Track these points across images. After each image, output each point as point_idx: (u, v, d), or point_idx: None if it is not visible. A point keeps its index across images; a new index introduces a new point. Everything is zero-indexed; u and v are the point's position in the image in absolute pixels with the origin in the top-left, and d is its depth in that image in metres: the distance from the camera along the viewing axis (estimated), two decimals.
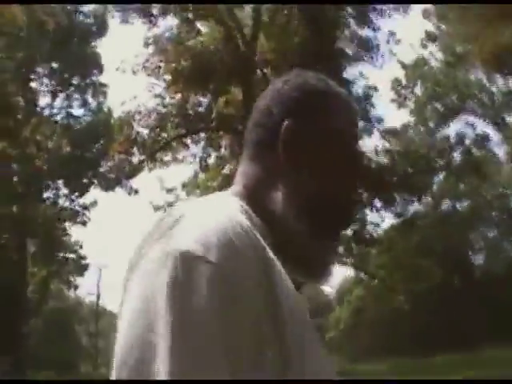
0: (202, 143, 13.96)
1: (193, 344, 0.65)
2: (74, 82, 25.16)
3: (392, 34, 15.46)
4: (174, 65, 12.20)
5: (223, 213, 0.75)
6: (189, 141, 14.13)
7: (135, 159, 13.76)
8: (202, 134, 13.99)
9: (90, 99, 25.48)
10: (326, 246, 0.86)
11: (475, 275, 30.71)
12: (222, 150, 14.20)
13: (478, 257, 33.11)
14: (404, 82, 25.53)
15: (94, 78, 25.19)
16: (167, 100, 13.15)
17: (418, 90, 25.45)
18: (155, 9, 13.94)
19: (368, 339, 32.23)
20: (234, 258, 0.69)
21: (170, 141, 13.56)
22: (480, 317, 27.49)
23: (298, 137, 0.86)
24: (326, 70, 14.21)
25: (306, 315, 0.81)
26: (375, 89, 15.31)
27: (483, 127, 22.71)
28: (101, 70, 24.79)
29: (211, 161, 14.12)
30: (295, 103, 0.88)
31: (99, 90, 25.55)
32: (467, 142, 16.06)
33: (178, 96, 12.97)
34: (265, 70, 13.54)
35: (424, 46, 23.96)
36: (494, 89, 23.94)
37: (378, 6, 14.85)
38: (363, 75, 16.86)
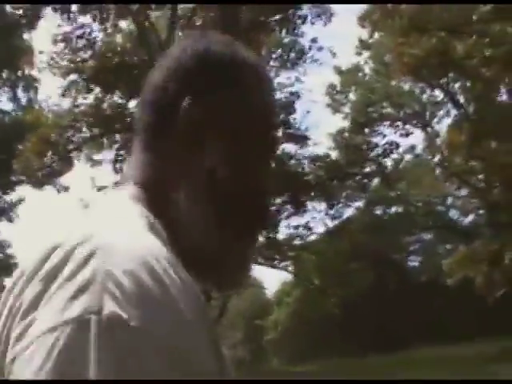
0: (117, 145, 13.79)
1: None
2: (4, 75, 24.44)
3: (314, 40, 15.63)
4: (72, 65, 11.95)
5: (140, 245, 0.57)
6: (105, 142, 13.92)
7: (48, 160, 13.47)
8: (118, 136, 13.80)
9: (20, 94, 24.81)
10: (242, 250, 0.74)
11: (409, 278, 31.47)
12: None
13: (413, 260, 34.05)
14: (339, 87, 25.90)
15: (25, 72, 24.51)
16: (80, 100, 12.90)
17: (353, 96, 25.84)
18: (74, 6, 13.67)
19: (303, 341, 32.57)
20: (168, 317, 0.54)
21: (83, 142, 13.32)
22: (412, 318, 28.15)
23: (201, 118, 0.71)
24: None
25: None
26: (298, 95, 15.45)
27: (413, 135, 23.24)
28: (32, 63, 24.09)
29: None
30: (195, 76, 0.73)
31: (31, 84, 24.87)
32: (380, 149, 16.41)
33: (92, 96, 12.77)
34: None
35: (358, 54, 24.32)
36: (424, 99, 24.57)
37: (301, 13, 14.96)
38: (299, 79, 17.05)
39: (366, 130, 24.62)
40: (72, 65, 12.05)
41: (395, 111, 24.88)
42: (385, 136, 20.58)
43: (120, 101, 13.19)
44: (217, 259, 0.72)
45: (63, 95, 12.63)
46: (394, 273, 30.72)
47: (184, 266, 0.62)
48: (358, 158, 15.83)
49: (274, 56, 16.59)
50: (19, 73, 24.45)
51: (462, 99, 21.69)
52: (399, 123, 22.66)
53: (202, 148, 0.72)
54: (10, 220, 25.21)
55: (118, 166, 13.72)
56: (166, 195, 0.71)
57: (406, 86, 24.82)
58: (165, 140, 0.73)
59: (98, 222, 0.64)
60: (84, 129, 13.17)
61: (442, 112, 23.48)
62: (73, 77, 12.32)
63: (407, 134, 20.40)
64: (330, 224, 23.60)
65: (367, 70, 24.80)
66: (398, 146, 16.55)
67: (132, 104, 13.53)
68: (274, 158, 0.79)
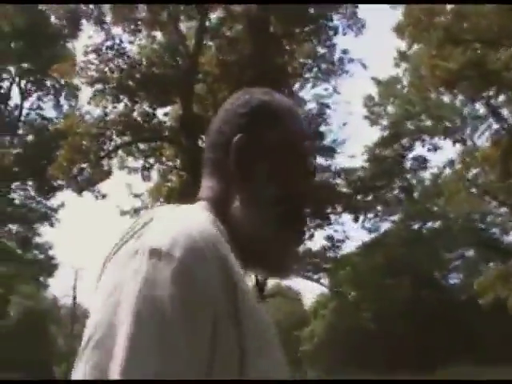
0: (144, 153, 13.95)
1: (149, 332, 0.72)
2: (48, 83, 25.18)
3: (345, 52, 15.47)
4: (98, 74, 12.14)
5: (191, 218, 0.83)
6: (135, 150, 14.12)
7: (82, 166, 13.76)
8: (146, 144, 13.96)
9: (62, 101, 25.48)
10: (288, 242, 0.94)
11: (449, 296, 30.58)
12: (164, 160, 14.19)
13: (453, 277, 33.12)
14: (377, 99, 25.58)
15: (68, 80, 25.14)
16: (109, 108, 13.11)
17: (391, 109, 25.46)
18: (108, 17, 13.98)
19: (337, 354, 32.08)
20: (197, 257, 0.76)
21: (112, 150, 13.53)
22: (450, 337, 27.31)
23: (247, 149, 0.93)
24: (274, 85, 14.13)
25: (266, 316, 0.87)
26: (327, 106, 15.32)
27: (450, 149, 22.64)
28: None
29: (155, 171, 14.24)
30: (243, 119, 0.96)
31: (73, 92, 25.49)
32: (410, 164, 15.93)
33: (122, 105, 12.97)
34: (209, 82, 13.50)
35: (397, 65, 23.96)
36: (465, 112, 23.96)
37: (331, 24, 14.86)
38: (336, 90, 16.95)
39: (404, 142, 24.20)
40: (98, 74, 12.30)
41: (433, 124, 24.38)
42: (412, 150, 20.08)
43: (148, 110, 13.38)
44: (267, 249, 0.92)
45: (89, 103, 12.95)
46: (433, 290, 29.96)
47: (242, 259, 0.86)
48: (385, 172, 15.52)
49: (308, 67, 16.45)
50: (62, 81, 25.10)
51: (506, 113, 21.05)
52: (426, 137, 22.11)
53: (250, 172, 0.93)
54: (52, 225, 25.90)
55: (146, 173, 13.90)
56: (227, 207, 0.93)
57: (446, 99, 24.37)
58: (224, 168, 0.94)
59: (167, 210, 0.89)
60: (114, 137, 13.38)
61: (483, 126, 22.88)
62: (99, 86, 12.58)
63: (435, 149, 19.90)
64: (365, 237, 23.17)
65: (405, 82, 24.37)
66: (425, 160, 16.24)
67: (160, 112, 13.68)
68: (312, 173, 0.98)
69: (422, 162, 15.86)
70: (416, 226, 29.51)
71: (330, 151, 14.49)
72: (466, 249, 30.52)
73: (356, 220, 15.13)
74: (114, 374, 0.71)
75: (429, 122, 24.90)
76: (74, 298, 37.87)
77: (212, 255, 0.77)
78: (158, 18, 12.78)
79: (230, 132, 0.95)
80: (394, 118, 24.76)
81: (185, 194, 13.77)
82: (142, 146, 14.23)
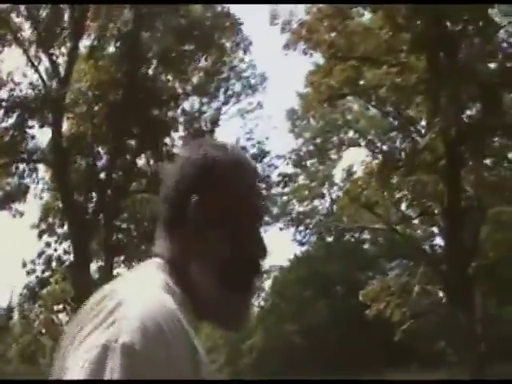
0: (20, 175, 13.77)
1: None
2: None
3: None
4: None
5: (152, 301, 0.87)
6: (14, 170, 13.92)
7: None
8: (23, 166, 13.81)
9: None
10: (241, 301, 1.01)
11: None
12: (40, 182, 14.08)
13: None
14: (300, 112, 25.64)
15: None
16: None
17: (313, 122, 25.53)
18: None
19: (272, 366, 31.99)
20: (161, 347, 0.83)
21: None
22: (376, 347, 27.35)
23: (202, 211, 0.98)
24: (156, 105, 14.13)
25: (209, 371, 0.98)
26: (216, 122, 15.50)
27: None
28: None
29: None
30: (197, 179, 1.00)
31: None
32: None
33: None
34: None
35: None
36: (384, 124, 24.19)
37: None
38: (260, 104, 17.18)
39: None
40: None
41: (357, 137, 24.56)
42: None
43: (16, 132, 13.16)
44: (222, 308, 0.99)
45: None
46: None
47: (199, 314, 0.98)
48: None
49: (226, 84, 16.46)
50: None
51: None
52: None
53: (205, 233, 0.98)
54: None
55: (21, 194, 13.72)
56: (182, 266, 0.98)
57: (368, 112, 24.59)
58: (179, 227, 1.00)
59: (128, 281, 0.96)
60: None
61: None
62: None
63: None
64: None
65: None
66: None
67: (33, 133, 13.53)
68: (261, 236, 1.03)
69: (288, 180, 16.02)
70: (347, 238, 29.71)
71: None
72: (402, 258, 30.76)
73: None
74: None
75: (351, 134, 25.11)
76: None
77: (173, 338, 0.85)
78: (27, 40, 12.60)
79: (184, 192, 1.00)
80: (315, 132, 24.88)
81: (62, 212, 13.64)
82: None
